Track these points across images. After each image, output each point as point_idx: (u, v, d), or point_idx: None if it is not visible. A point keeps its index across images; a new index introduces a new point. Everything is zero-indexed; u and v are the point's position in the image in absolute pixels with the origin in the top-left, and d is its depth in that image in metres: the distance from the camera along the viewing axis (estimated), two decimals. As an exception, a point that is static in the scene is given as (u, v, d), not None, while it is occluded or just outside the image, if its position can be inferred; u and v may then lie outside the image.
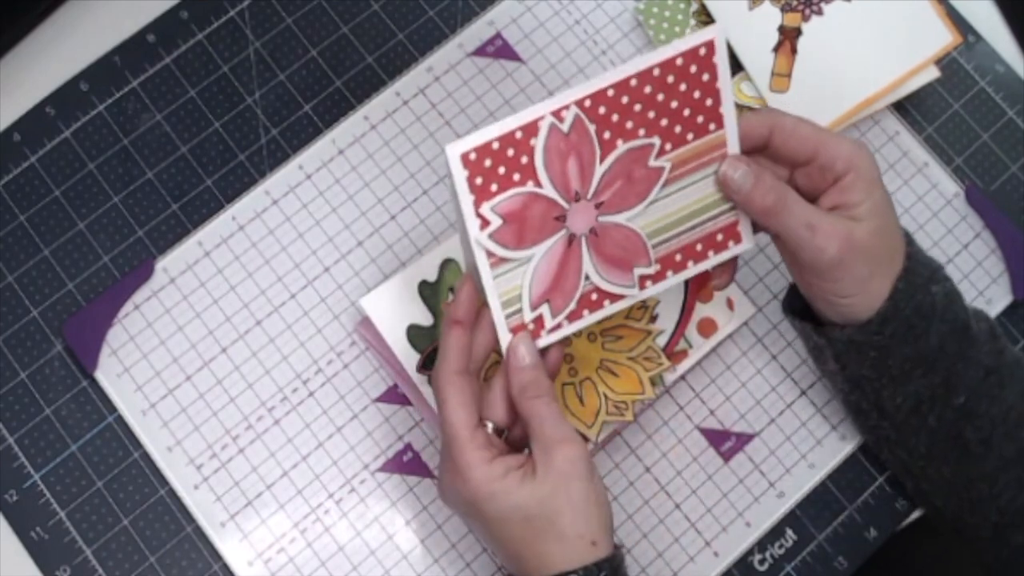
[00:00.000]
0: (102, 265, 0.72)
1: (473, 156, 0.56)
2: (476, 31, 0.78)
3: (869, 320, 0.62)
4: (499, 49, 0.78)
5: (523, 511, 0.58)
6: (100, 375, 0.70)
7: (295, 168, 0.75)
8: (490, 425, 0.60)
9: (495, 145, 0.56)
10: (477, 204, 0.57)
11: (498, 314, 0.59)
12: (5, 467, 0.69)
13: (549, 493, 0.58)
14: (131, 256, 0.73)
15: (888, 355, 0.63)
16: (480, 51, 0.78)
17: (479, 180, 0.57)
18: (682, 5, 0.78)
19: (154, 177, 0.74)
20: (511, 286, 0.59)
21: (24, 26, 0.76)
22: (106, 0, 0.77)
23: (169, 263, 0.73)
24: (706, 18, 0.78)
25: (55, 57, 0.76)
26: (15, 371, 0.70)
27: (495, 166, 0.57)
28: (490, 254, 0.58)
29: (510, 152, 0.57)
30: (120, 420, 0.70)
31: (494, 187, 0.57)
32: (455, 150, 0.56)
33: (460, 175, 0.56)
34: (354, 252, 0.74)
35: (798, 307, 0.68)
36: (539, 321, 0.60)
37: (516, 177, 0.57)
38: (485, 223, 0.57)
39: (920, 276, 0.63)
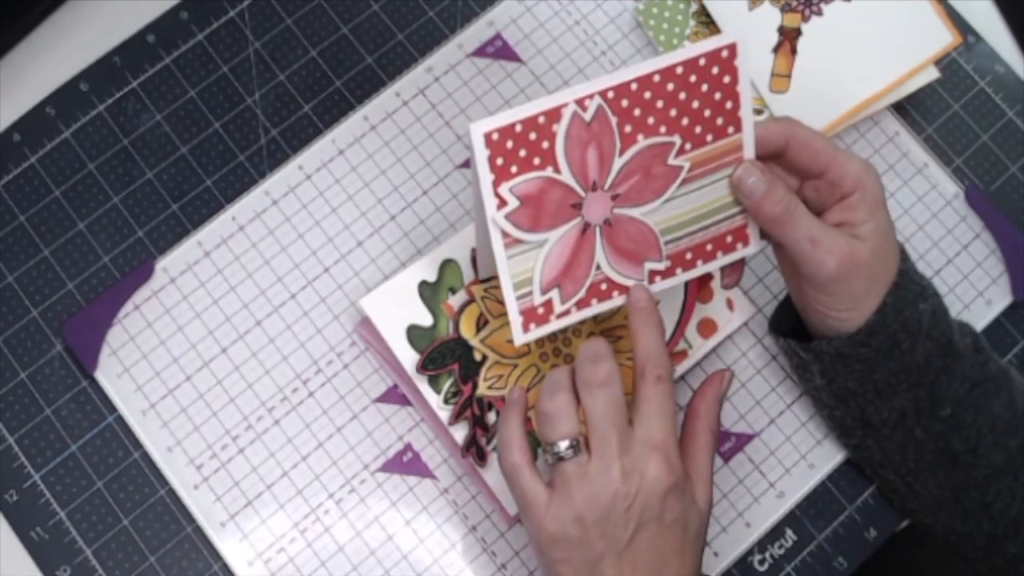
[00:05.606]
0: (102, 265, 0.72)
1: (496, 136, 0.57)
2: (476, 31, 0.78)
3: (857, 331, 0.63)
4: (499, 50, 0.78)
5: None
6: (100, 375, 0.70)
7: (295, 168, 0.75)
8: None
9: (518, 127, 0.58)
10: (496, 184, 0.58)
11: (509, 295, 0.60)
12: (5, 467, 0.69)
13: None
14: (131, 256, 0.73)
15: (874, 368, 0.64)
16: (480, 51, 0.78)
17: (500, 160, 0.58)
18: (682, 6, 0.78)
19: (154, 177, 0.74)
20: (523, 268, 0.60)
21: (24, 26, 0.76)
22: (106, 0, 0.77)
23: (169, 263, 0.73)
24: (706, 18, 0.78)
25: (55, 57, 0.76)
26: (15, 371, 0.70)
27: (516, 148, 0.58)
28: (505, 234, 0.59)
29: (532, 136, 0.58)
30: (120, 420, 0.70)
31: (514, 168, 0.58)
32: (479, 128, 0.57)
33: (482, 154, 0.57)
34: (354, 252, 0.74)
35: (784, 327, 0.69)
36: (548, 305, 0.61)
37: (536, 161, 0.58)
38: (502, 203, 0.58)
39: (910, 292, 0.64)
